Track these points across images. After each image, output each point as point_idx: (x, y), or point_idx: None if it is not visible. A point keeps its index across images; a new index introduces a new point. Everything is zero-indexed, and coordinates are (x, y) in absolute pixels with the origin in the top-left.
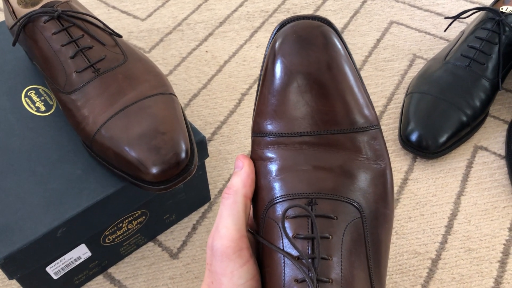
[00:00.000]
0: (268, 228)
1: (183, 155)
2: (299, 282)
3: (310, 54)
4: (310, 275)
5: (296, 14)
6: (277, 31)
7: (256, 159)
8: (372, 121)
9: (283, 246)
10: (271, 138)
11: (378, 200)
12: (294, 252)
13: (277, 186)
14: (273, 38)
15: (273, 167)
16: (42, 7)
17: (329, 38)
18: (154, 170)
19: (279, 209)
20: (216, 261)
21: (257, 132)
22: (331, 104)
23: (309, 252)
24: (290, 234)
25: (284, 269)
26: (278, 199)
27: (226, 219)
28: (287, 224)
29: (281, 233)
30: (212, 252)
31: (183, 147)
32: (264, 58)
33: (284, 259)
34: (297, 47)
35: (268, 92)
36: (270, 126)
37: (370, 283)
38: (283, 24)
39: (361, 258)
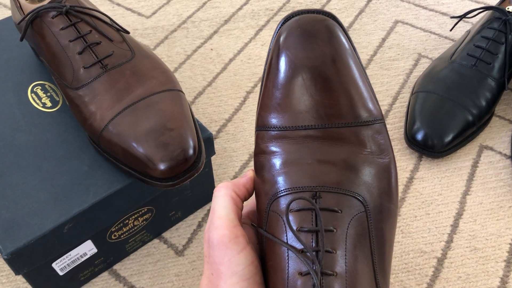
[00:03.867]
0: (272, 222)
1: (191, 151)
2: (303, 275)
3: (314, 48)
4: (314, 267)
5: (300, 9)
6: (281, 25)
7: (260, 153)
8: (377, 116)
9: (287, 239)
10: (275, 132)
11: (382, 194)
12: (298, 245)
13: (281, 179)
14: (277, 32)
15: (277, 161)
16: (50, 2)
17: (334, 32)
18: (162, 167)
19: (283, 202)
20: (214, 251)
21: (261, 126)
22: (336, 98)
23: (313, 245)
24: (294, 227)
25: (288, 262)
26: (282, 193)
27: (219, 211)
28: (291, 218)
29: (285, 227)
30: (209, 244)
31: (191, 143)
32: (269, 52)
33: (288, 252)
34: (301, 41)
35: (273, 85)
36: (274, 120)
37: (374, 278)
38: (287, 18)
39: (366, 253)
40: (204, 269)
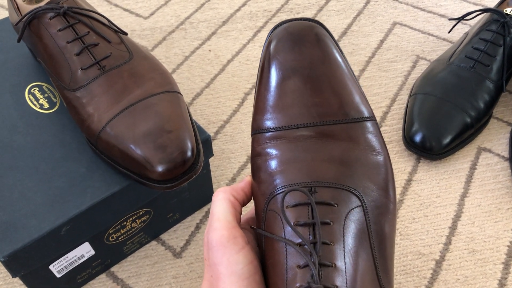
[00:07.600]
0: (270, 220)
1: (189, 153)
2: (302, 268)
3: (303, 51)
4: (312, 259)
5: (289, 18)
6: (271, 33)
7: (256, 155)
8: (366, 114)
9: (284, 235)
10: (270, 133)
11: (378, 190)
12: (296, 240)
13: (277, 178)
14: (267, 39)
15: (273, 161)
16: (47, 3)
17: (321, 36)
18: (160, 169)
19: (280, 199)
20: (212, 252)
21: (256, 129)
22: (325, 96)
23: (310, 238)
24: (291, 222)
25: (286, 257)
26: (278, 190)
27: (217, 214)
28: (287, 213)
29: (282, 223)
30: (208, 246)
31: (189, 145)
32: (260, 59)
33: (286, 248)
34: (290, 45)
35: (265, 89)
36: (268, 122)
37: (376, 274)
38: (276, 26)
39: (365, 247)
40: (204, 273)
